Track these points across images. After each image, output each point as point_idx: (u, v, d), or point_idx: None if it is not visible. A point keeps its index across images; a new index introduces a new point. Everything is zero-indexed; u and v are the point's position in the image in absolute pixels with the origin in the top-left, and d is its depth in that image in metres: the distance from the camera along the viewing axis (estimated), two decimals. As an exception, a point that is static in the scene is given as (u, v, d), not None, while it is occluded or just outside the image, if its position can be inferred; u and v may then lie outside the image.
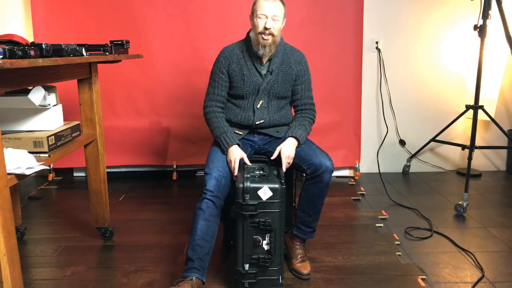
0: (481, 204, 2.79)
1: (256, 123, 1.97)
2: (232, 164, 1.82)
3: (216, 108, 1.99)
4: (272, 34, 1.87)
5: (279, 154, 1.87)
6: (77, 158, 3.19)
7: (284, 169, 1.84)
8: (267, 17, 1.85)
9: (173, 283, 1.71)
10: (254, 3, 1.90)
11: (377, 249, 2.19)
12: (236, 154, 1.84)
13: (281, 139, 1.97)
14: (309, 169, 1.86)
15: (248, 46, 1.96)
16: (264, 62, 1.96)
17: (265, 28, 1.85)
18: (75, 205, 2.79)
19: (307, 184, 1.90)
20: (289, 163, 1.86)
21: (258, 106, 1.96)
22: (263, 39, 1.86)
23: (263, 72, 1.96)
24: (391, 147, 3.44)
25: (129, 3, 3.01)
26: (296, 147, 1.90)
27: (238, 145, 1.89)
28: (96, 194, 2.20)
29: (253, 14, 1.91)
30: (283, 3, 1.90)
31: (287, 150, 1.85)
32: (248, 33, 1.99)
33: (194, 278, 1.69)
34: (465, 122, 3.41)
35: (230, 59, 1.96)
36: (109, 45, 2.02)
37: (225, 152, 1.88)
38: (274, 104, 1.99)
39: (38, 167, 1.55)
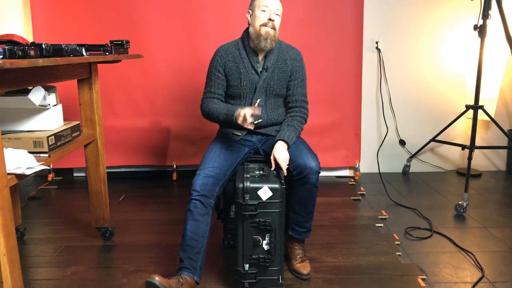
0: (481, 204, 2.79)
1: (254, 122, 1.97)
2: (242, 117, 1.75)
3: (211, 99, 1.98)
4: (274, 28, 1.89)
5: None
6: (77, 158, 3.19)
7: (284, 172, 1.82)
8: (270, 10, 1.88)
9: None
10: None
11: (377, 249, 2.19)
12: (243, 109, 1.76)
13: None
14: (295, 171, 1.84)
15: (245, 44, 1.96)
16: (260, 60, 1.96)
17: (269, 19, 1.87)
18: (75, 205, 2.79)
19: (295, 186, 1.89)
20: (287, 164, 1.85)
21: (255, 105, 1.96)
22: (266, 30, 1.87)
23: (259, 69, 1.96)
24: (391, 147, 3.44)
25: (129, 3, 3.01)
26: (288, 149, 1.88)
27: None
28: (96, 194, 2.20)
29: (253, 8, 1.92)
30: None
31: (280, 154, 1.83)
32: (244, 31, 1.99)
33: (183, 276, 1.69)
34: (465, 122, 3.41)
35: (226, 57, 1.96)
36: (109, 45, 2.02)
37: (234, 119, 1.81)
38: (272, 102, 1.99)
39: (38, 167, 1.55)
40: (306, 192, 1.87)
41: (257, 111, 1.77)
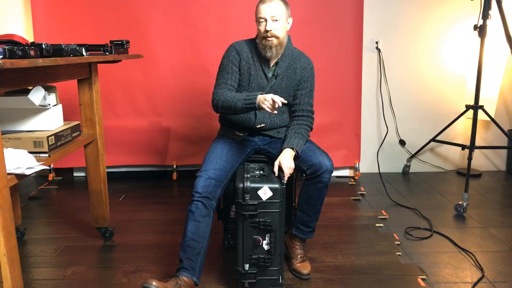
0: (481, 204, 2.79)
1: (257, 126, 1.96)
2: (269, 101, 1.67)
3: (224, 90, 1.89)
4: (275, 36, 1.84)
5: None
6: (77, 158, 3.19)
7: (286, 179, 1.79)
8: (266, 20, 1.83)
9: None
10: (256, 9, 1.89)
11: (377, 249, 2.19)
12: (265, 95, 1.71)
13: (281, 140, 1.97)
14: (309, 170, 1.85)
15: (257, 48, 1.93)
16: (271, 65, 1.95)
17: (266, 31, 1.83)
18: (75, 205, 2.79)
19: (306, 185, 1.89)
20: (290, 173, 1.83)
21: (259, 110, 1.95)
22: (267, 41, 1.84)
23: (269, 75, 1.94)
24: (391, 147, 3.44)
25: (129, 3, 3.01)
26: (294, 156, 1.86)
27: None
28: (96, 194, 2.20)
29: (256, 20, 1.89)
30: (284, 2, 1.87)
31: (286, 161, 1.81)
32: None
33: (181, 277, 1.69)
34: (465, 122, 3.41)
35: (241, 55, 1.94)
36: (109, 45, 2.02)
37: (257, 106, 1.73)
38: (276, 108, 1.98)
39: (38, 167, 1.55)
40: (317, 192, 1.87)
41: (279, 99, 1.67)
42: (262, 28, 1.85)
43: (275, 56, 1.90)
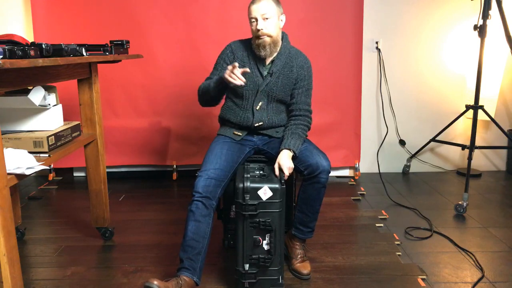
0: (481, 204, 2.79)
1: (255, 125, 1.97)
2: (230, 69, 1.75)
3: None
4: (267, 35, 1.86)
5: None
6: (77, 158, 3.19)
7: (286, 177, 1.81)
8: (256, 19, 1.85)
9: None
10: (247, 10, 1.91)
11: (377, 249, 2.19)
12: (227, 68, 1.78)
13: (279, 140, 1.97)
14: (306, 170, 1.85)
15: (254, 47, 1.95)
16: (266, 64, 1.96)
17: (257, 30, 1.85)
18: (75, 205, 2.79)
19: (304, 185, 1.89)
20: (290, 173, 1.83)
21: (257, 108, 1.96)
22: (260, 39, 1.86)
23: (265, 73, 1.95)
24: (391, 147, 3.44)
25: (129, 3, 3.01)
26: (292, 157, 1.86)
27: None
28: (96, 194, 2.20)
29: (248, 21, 1.91)
30: (274, 0, 1.87)
31: (285, 162, 1.81)
32: None
33: (182, 276, 1.69)
34: (465, 122, 3.41)
35: (236, 54, 1.97)
36: (109, 45, 2.02)
37: (224, 79, 1.79)
38: (273, 107, 1.98)
39: (38, 167, 1.55)
40: (315, 192, 1.87)
41: (247, 70, 1.80)
42: (254, 27, 1.87)
43: (269, 55, 1.92)
